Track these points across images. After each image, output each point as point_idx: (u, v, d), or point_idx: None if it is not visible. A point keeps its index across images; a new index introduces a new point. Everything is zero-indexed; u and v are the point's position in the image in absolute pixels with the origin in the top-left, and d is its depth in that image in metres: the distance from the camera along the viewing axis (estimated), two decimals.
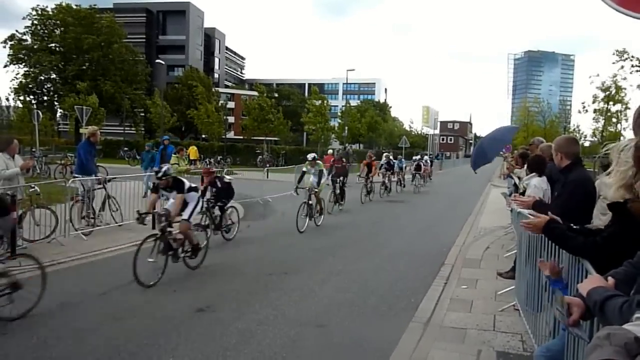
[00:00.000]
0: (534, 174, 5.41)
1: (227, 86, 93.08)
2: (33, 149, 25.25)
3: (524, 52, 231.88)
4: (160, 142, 14.22)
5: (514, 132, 8.95)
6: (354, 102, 79.26)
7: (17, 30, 53.51)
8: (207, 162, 30.04)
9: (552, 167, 4.62)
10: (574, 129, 52.88)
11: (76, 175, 9.77)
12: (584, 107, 44.07)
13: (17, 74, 52.96)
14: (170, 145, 14.59)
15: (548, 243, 3.49)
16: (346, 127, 51.75)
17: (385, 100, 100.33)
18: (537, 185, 5.14)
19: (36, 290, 5.08)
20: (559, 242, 2.86)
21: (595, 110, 43.87)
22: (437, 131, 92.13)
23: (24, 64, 53.17)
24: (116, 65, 54.95)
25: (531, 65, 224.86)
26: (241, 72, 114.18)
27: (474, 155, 8.09)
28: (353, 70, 48.86)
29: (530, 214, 3.07)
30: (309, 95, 64.08)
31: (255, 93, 57.08)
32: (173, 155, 13.10)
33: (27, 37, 53.05)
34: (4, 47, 52.24)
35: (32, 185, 8.35)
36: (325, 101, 53.08)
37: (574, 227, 2.81)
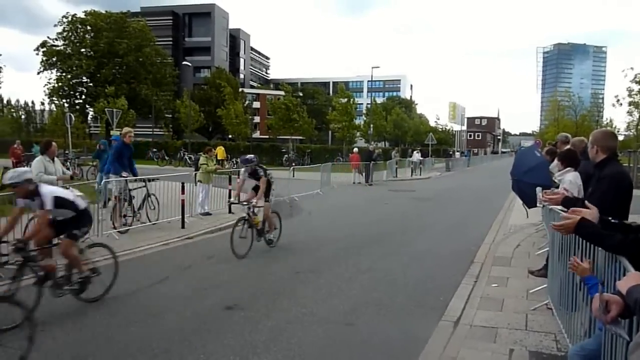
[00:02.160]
0: (569, 168, 5.28)
1: (252, 86, 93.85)
2: (66, 151, 25.94)
3: (554, 45, 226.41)
4: (113, 141, 12.61)
5: (535, 149, 8.57)
6: (379, 100, 78.84)
7: (48, 37, 55.16)
8: (234, 162, 30.34)
9: (587, 164, 4.48)
10: (607, 123, 51.47)
11: (116, 175, 9.95)
12: (617, 100, 42.78)
13: (50, 79, 54.59)
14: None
15: (581, 240, 3.39)
16: (371, 125, 51.51)
17: (411, 97, 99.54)
18: (572, 181, 5.01)
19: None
20: (595, 241, 2.78)
21: (630, 104, 42.54)
22: (465, 127, 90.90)
23: (56, 69, 54.73)
24: (147, 68, 56.02)
25: (561, 58, 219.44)
26: (266, 72, 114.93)
27: (521, 197, 7.86)
28: (378, 67, 48.59)
29: (561, 211, 2.96)
30: (334, 93, 64.02)
31: (281, 93, 57.36)
32: (202, 155, 13.24)
33: (59, 43, 54.52)
34: (37, 54, 53.90)
35: (68, 187, 8.58)
36: (352, 99, 52.92)
37: (612, 220, 2.72)
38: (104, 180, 10.05)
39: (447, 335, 4.77)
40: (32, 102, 74.23)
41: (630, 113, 43.33)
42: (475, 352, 4.32)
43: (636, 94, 41.05)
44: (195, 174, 12.81)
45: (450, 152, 26.78)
